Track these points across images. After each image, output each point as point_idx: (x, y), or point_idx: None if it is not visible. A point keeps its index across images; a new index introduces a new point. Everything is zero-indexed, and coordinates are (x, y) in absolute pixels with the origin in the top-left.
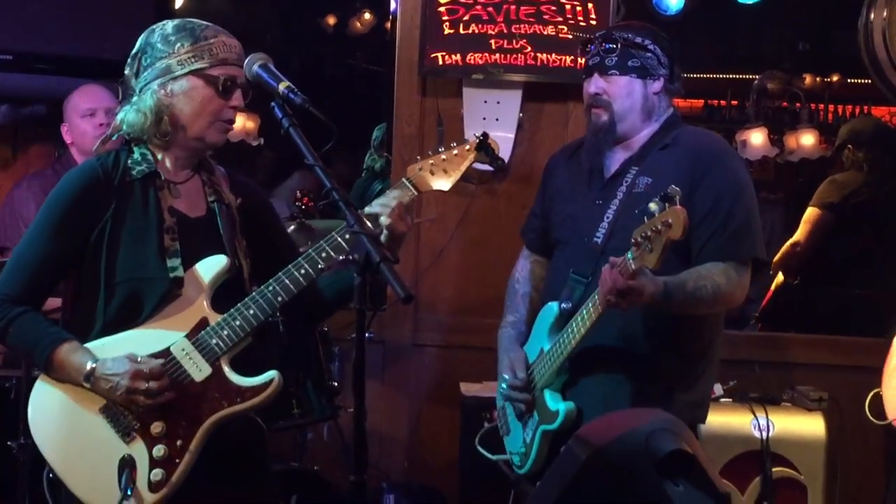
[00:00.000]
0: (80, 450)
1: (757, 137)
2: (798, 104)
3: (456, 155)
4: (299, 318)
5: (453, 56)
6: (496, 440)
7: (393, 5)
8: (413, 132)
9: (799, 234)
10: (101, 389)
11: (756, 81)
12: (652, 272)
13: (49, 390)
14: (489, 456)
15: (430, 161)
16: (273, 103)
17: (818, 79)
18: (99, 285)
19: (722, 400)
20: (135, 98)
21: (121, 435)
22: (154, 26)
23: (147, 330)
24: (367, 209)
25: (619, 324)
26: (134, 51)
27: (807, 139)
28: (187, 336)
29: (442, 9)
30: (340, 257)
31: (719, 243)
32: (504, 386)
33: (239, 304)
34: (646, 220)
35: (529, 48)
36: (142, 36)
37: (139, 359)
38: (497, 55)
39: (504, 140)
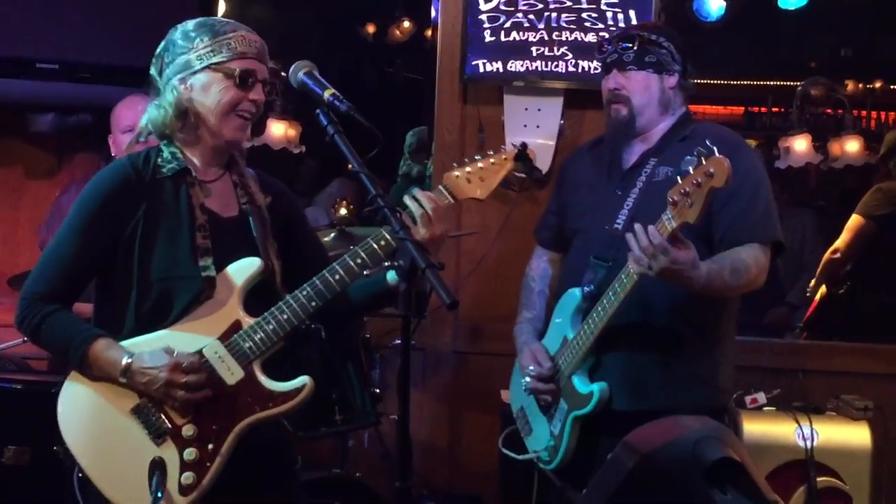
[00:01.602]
0: (111, 450)
1: (800, 144)
2: (841, 111)
3: (493, 164)
4: (325, 323)
5: (494, 63)
6: (520, 441)
7: (434, 13)
8: (454, 139)
9: (840, 242)
10: (138, 384)
11: (800, 88)
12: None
13: (79, 390)
14: (516, 456)
15: (468, 169)
16: (318, 111)
17: (861, 85)
18: (131, 284)
19: (766, 409)
20: (156, 94)
21: (152, 437)
22: (177, 25)
23: (179, 332)
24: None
25: (642, 304)
26: (158, 50)
27: (851, 146)
28: (220, 339)
29: (483, 16)
30: (378, 264)
31: (745, 225)
32: (527, 379)
33: (272, 308)
34: (679, 179)
35: (570, 55)
36: (166, 36)
37: (175, 353)
38: (538, 62)
39: (545, 147)
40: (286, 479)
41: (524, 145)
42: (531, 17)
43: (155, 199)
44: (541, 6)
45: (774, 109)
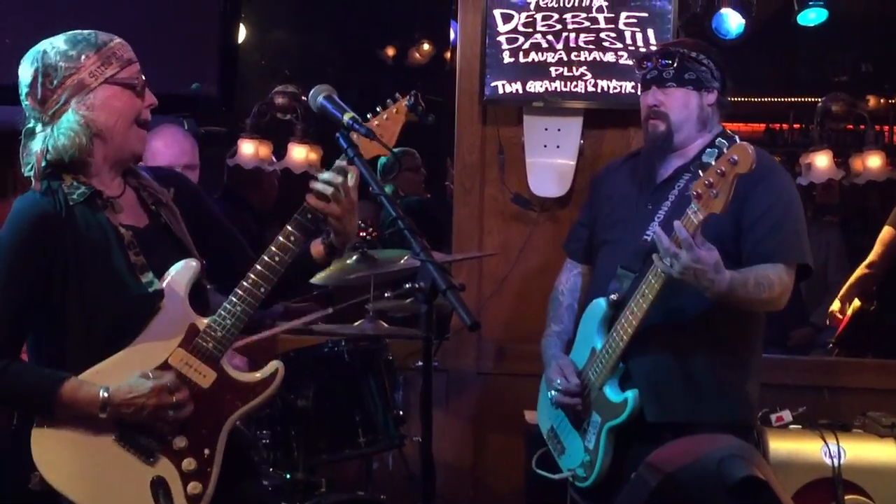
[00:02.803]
0: (107, 487)
1: (822, 160)
2: (862, 126)
3: (387, 119)
4: (266, 302)
5: (513, 84)
6: (553, 461)
7: (452, 35)
8: (475, 161)
9: (873, 255)
10: (121, 415)
11: (820, 104)
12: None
13: (52, 437)
14: (550, 476)
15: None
16: (338, 134)
17: (882, 100)
18: (74, 318)
19: (792, 427)
20: (41, 125)
21: (143, 459)
22: (40, 49)
23: (138, 351)
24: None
25: (670, 315)
26: (28, 80)
27: (873, 161)
28: (181, 346)
29: (502, 38)
30: (307, 236)
31: (773, 244)
32: (554, 393)
33: (225, 304)
34: (701, 173)
35: (589, 75)
36: (29, 64)
37: (152, 375)
38: (557, 83)
39: (565, 167)
40: (253, 479)
41: (416, 94)
42: (549, 37)
43: (76, 228)
44: (559, 27)
45: (796, 126)
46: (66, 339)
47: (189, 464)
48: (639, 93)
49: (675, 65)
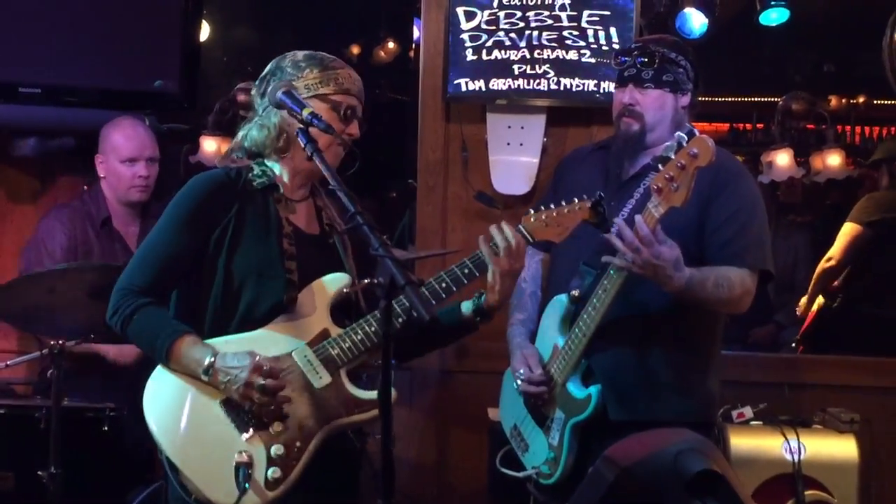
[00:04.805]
0: (197, 438)
1: (782, 158)
2: (824, 125)
3: (568, 212)
4: (404, 355)
5: (476, 82)
6: (517, 459)
7: (416, 33)
8: (438, 158)
9: (834, 250)
10: (217, 383)
11: (780, 102)
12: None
13: (169, 375)
14: (515, 474)
15: (543, 216)
16: (297, 129)
17: (844, 100)
18: (217, 282)
19: (752, 423)
20: (257, 117)
21: (239, 430)
22: (286, 54)
23: (270, 333)
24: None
25: (632, 313)
26: (263, 73)
27: (833, 159)
28: (308, 344)
29: (465, 35)
30: (459, 288)
31: (736, 249)
32: (519, 382)
33: (360, 320)
34: (661, 167)
35: (552, 73)
36: (273, 61)
37: (258, 356)
38: (520, 80)
39: (529, 165)
40: (351, 488)
41: (601, 196)
42: (512, 35)
43: (246, 204)
44: (522, 25)
45: (759, 125)
46: (206, 298)
47: (278, 449)
48: (611, 88)
49: (656, 65)
